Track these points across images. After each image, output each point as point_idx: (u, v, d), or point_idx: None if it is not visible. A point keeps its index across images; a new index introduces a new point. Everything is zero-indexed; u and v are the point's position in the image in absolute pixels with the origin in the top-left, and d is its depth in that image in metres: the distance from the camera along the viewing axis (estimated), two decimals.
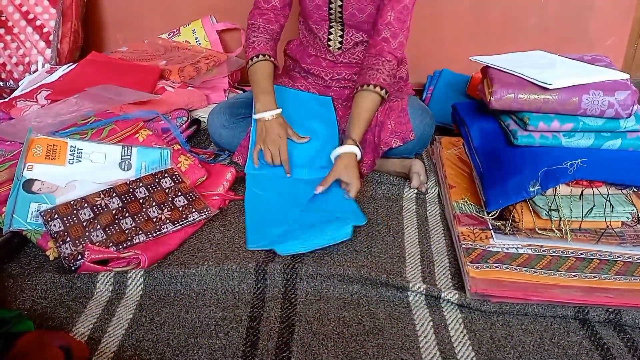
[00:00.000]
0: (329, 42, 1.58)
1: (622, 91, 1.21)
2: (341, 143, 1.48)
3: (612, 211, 1.19)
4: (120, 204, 1.27)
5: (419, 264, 1.22)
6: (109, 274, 1.12)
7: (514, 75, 1.29)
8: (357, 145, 1.41)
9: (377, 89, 1.43)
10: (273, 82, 1.53)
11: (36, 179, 1.27)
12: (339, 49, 1.59)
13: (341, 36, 1.57)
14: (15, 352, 0.81)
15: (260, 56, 1.53)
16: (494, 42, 2.21)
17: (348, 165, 1.39)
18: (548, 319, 1.06)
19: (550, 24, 2.20)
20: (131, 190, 1.31)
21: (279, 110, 1.49)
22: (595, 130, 1.25)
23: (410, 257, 1.24)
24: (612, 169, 1.20)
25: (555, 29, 2.20)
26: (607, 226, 1.21)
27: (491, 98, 1.27)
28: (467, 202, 1.36)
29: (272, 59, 1.54)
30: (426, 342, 1.00)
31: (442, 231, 1.34)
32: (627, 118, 1.22)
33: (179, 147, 1.51)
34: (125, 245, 1.19)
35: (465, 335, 1.02)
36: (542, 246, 1.19)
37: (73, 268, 1.14)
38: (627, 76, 1.26)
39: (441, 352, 0.97)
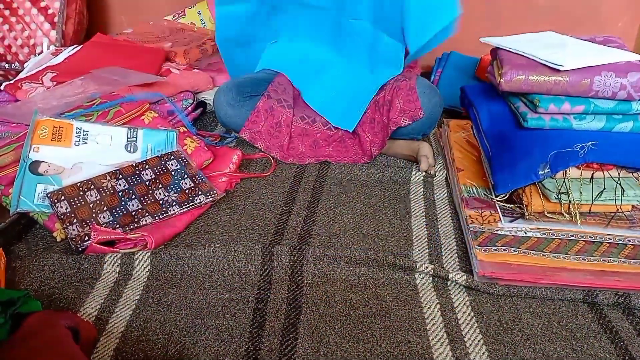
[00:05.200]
0: None
1: (635, 72, 1.18)
2: None
3: (622, 194, 1.17)
4: (127, 186, 1.27)
5: (426, 246, 1.21)
6: (116, 255, 1.12)
7: (524, 56, 1.27)
8: None
9: None
10: None
11: (42, 161, 1.27)
12: None
13: None
14: (22, 331, 0.80)
15: None
16: (503, 23, 2.18)
17: None
18: (556, 302, 1.05)
19: (561, 4, 2.16)
20: (137, 172, 1.31)
21: None
22: (607, 113, 1.23)
23: (417, 240, 1.23)
24: (624, 152, 1.18)
25: (565, 10, 2.17)
26: (617, 209, 1.20)
27: (501, 80, 1.25)
28: (475, 186, 1.35)
29: None
30: (433, 324, 0.99)
31: (450, 214, 1.33)
32: (639, 100, 1.21)
33: (185, 129, 1.50)
34: (131, 226, 1.19)
35: (472, 317, 1.01)
36: (550, 229, 1.18)
37: (80, 249, 1.14)
38: None
39: (448, 334, 0.97)
